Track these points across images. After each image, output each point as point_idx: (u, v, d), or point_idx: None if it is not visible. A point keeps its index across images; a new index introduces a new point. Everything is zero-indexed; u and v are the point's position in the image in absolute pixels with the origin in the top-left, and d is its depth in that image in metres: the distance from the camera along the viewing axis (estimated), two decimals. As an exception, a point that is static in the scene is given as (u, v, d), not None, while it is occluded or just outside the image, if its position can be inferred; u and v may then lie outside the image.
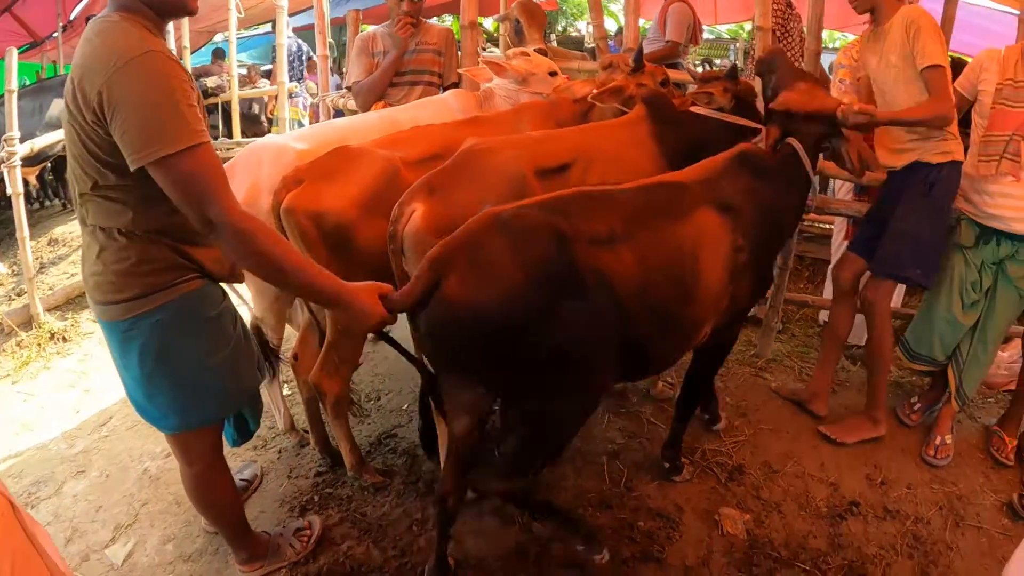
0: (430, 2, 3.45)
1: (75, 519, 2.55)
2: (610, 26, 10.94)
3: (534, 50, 3.61)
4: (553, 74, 2.88)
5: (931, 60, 2.47)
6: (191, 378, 1.72)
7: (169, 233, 1.63)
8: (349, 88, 3.51)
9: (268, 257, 1.47)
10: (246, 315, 2.22)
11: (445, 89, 3.34)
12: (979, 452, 2.90)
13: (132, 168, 1.43)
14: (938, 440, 2.82)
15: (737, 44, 14.31)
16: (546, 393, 1.79)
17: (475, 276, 1.67)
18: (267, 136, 2.79)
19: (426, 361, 1.88)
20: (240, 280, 1.88)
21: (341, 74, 6.57)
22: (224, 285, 1.85)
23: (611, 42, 10.17)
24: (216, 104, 7.45)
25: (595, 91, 2.63)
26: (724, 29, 16.09)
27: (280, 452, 2.79)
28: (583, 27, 14.34)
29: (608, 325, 1.79)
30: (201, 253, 1.69)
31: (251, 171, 2.40)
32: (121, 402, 3.25)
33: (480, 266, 1.68)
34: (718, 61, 13.01)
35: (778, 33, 4.09)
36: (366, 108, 3.49)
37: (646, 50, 4.33)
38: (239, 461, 2.75)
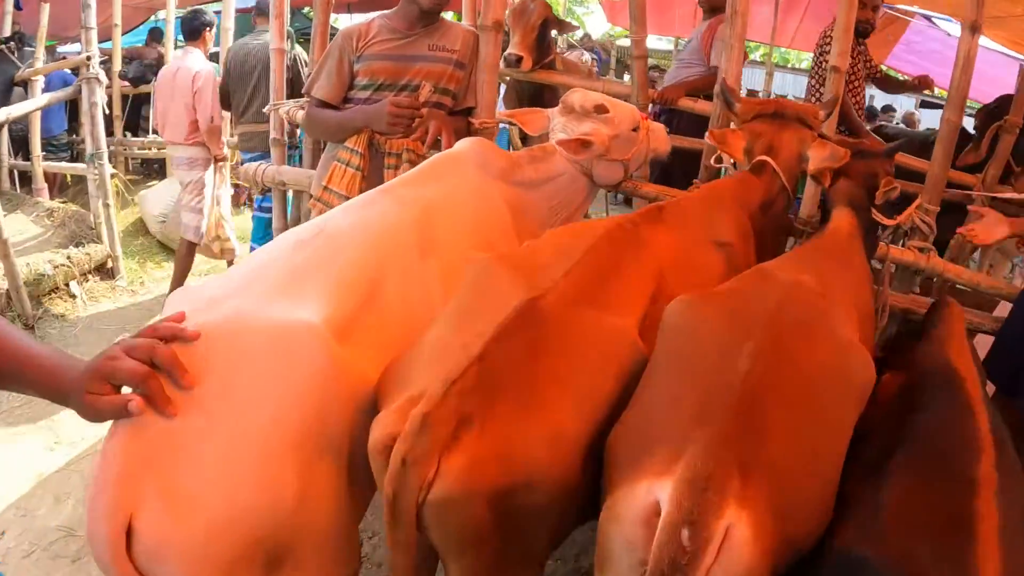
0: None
1: None
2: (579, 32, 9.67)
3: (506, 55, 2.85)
4: (635, 129, 1.91)
5: None
6: None
7: None
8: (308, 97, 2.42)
9: None
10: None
11: (453, 113, 2.28)
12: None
13: None
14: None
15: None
16: None
17: None
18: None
19: None
20: None
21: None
22: None
23: (597, 51, 9.24)
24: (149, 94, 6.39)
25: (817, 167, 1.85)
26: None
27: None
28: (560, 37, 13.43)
29: None
30: None
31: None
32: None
33: None
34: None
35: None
36: (314, 139, 2.65)
37: (681, 74, 3.57)
38: None
